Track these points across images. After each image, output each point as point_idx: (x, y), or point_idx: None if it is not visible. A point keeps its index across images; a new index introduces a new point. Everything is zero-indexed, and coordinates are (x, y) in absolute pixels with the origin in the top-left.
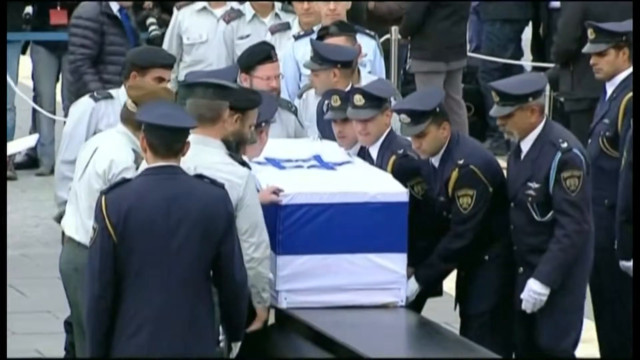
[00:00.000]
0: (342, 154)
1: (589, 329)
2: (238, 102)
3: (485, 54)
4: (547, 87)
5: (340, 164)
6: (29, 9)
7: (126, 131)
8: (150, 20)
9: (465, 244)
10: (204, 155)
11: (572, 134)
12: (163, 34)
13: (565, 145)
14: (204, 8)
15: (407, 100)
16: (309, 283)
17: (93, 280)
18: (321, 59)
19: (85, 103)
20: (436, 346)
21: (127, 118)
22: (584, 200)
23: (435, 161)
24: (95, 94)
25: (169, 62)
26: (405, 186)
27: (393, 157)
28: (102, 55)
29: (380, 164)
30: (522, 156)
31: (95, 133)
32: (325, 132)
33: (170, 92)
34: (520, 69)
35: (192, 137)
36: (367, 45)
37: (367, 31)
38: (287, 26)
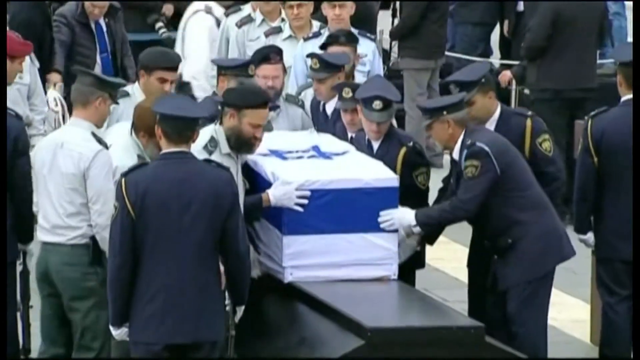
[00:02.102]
0: (338, 144)
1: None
2: (229, 98)
3: (459, 53)
4: (514, 82)
5: (336, 154)
6: None
7: (83, 122)
8: (159, 24)
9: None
10: (70, 133)
11: (490, 135)
12: (172, 38)
13: (469, 142)
14: (249, 15)
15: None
16: (312, 260)
17: (114, 253)
18: (330, 67)
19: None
20: (420, 312)
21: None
22: (477, 185)
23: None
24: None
25: (171, 65)
26: (411, 175)
27: (404, 149)
28: (71, 53)
29: (385, 154)
30: (457, 163)
31: None
32: (321, 126)
33: None
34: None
35: (70, 119)
36: (368, 46)
37: (368, 34)
38: (279, 29)
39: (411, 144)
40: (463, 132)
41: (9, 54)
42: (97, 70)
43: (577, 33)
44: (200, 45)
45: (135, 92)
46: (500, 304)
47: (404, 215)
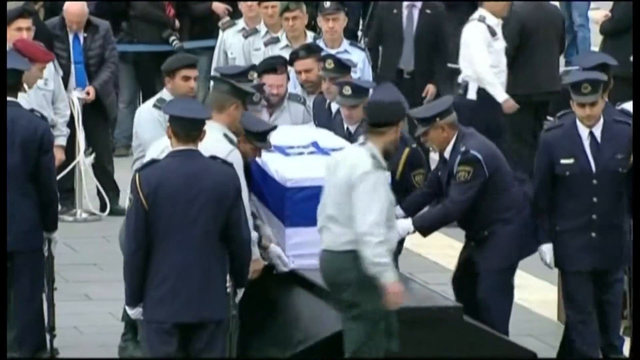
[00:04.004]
0: (335, 140)
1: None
2: (396, 116)
3: None
4: None
5: (333, 150)
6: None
7: (217, 125)
8: (172, 38)
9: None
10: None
11: (481, 140)
12: (184, 47)
13: (463, 148)
14: (243, 28)
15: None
16: (311, 249)
17: (129, 240)
18: (343, 67)
19: (152, 111)
20: (404, 294)
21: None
22: (469, 190)
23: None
24: (156, 103)
25: (191, 62)
26: (409, 175)
27: (407, 149)
28: None
29: None
30: (447, 163)
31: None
32: (325, 122)
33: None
34: None
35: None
36: (358, 56)
37: (359, 45)
38: (277, 40)
39: (415, 145)
40: (456, 134)
41: (32, 59)
42: (72, 79)
43: (541, 42)
44: (478, 49)
45: (166, 98)
46: (473, 286)
47: (402, 225)
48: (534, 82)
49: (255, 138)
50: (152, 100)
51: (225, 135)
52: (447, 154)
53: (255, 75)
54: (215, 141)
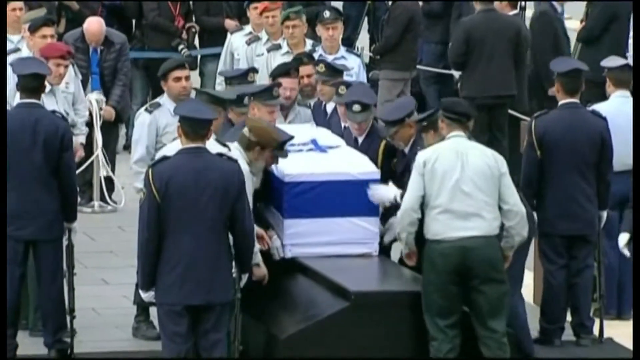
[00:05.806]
0: (332, 139)
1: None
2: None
3: (425, 66)
4: None
5: (330, 147)
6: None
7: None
8: (181, 46)
9: None
10: None
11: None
12: (193, 55)
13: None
14: (250, 33)
15: None
16: (308, 239)
17: (143, 230)
18: (334, 71)
19: (143, 115)
20: (395, 279)
21: (241, 140)
22: None
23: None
24: (148, 107)
25: (180, 63)
26: (389, 164)
27: (384, 142)
28: None
29: (368, 147)
30: (406, 155)
31: (157, 135)
32: (321, 122)
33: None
34: (450, 76)
35: None
36: (354, 61)
37: (354, 51)
38: (278, 46)
39: (389, 138)
40: (416, 133)
41: (44, 55)
42: (89, 88)
43: (487, 51)
44: None
45: (166, 102)
46: None
47: (388, 191)
48: (481, 87)
49: (276, 147)
50: (146, 105)
51: (218, 141)
52: (407, 149)
53: (256, 76)
54: (214, 145)
